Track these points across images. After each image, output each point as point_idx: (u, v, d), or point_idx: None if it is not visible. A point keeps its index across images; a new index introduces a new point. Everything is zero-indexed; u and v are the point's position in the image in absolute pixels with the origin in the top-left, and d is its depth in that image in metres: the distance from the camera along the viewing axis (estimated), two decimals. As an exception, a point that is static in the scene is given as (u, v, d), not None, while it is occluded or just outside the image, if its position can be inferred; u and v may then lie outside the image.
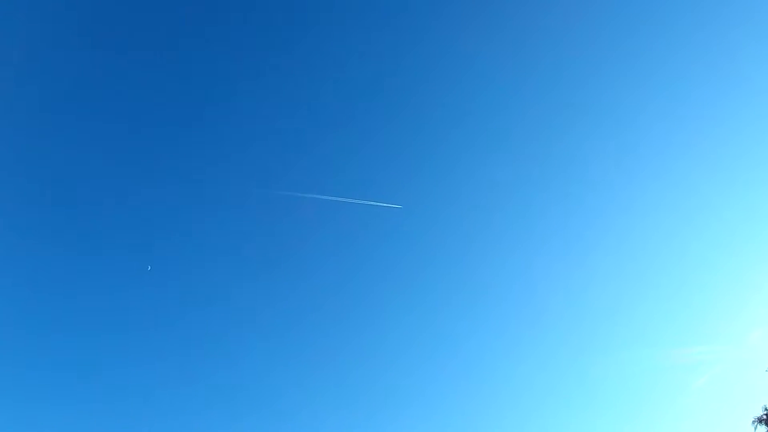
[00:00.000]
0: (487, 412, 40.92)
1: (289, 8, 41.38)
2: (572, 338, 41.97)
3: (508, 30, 41.50)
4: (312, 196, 39.06)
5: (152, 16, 40.22)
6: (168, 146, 42.93)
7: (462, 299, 44.17)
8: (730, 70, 40.45)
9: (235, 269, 43.32)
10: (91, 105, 41.38)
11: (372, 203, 39.17)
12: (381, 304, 44.51)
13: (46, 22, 38.15)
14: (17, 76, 38.32)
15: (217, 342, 41.16)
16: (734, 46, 39.74)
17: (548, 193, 44.53)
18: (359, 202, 38.98)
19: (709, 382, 36.70)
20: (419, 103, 43.77)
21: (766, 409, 24.57)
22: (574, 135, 43.00)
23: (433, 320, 43.77)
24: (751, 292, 37.94)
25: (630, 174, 43.92)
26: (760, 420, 24.49)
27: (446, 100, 43.40)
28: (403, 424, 39.15)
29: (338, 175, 43.53)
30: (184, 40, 41.63)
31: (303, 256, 43.73)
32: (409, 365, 42.27)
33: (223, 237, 43.21)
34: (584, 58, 42.33)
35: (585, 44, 42.26)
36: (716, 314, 40.67)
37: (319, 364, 40.70)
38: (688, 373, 37.82)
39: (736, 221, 40.91)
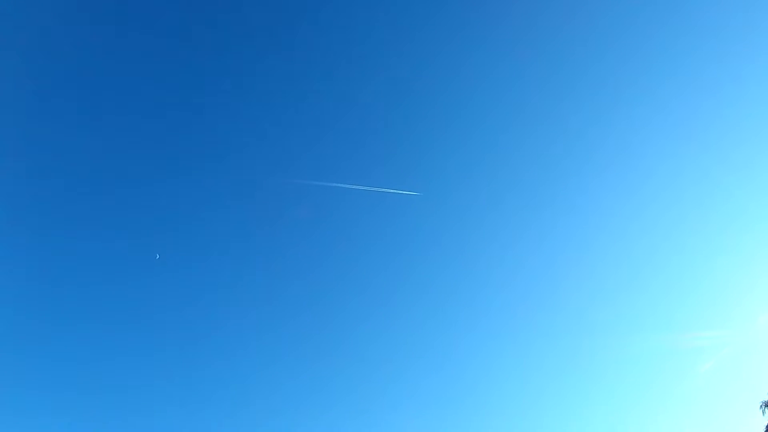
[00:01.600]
0: (495, 397, 41.63)
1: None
2: (579, 323, 42.40)
3: (529, 22, 41.29)
4: (326, 184, 38.71)
5: (159, 8, 40.11)
6: (177, 135, 42.80)
7: (472, 288, 44.56)
8: (718, 66, 40.58)
9: (244, 260, 43.53)
10: (95, 96, 41.40)
11: (389, 190, 38.68)
12: (395, 296, 44.68)
13: (51, 18, 38.09)
14: (19, 70, 38.34)
15: (220, 337, 41.41)
16: (729, 45, 39.77)
17: (558, 181, 44.75)
18: (376, 189, 38.52)
19: (717, 367, 37.08)
20: (437, 91, 43.59)
21: (773, 394, 24.99)
22: (593, 125, 43.10)
23: (445, 310, 44.14)
24: (759, 276, 38.17)
25: (635, 161, 44.09)
26: (767, 405, 24.89)
27: (465, 90, 43.29)
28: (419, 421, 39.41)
29: (354, 162, 43.46)
30: (194, 31, 41.39)
31: (315, 245, 43.80)
32: (413, 360, 42.68)
33: (234, 227, 43.32)
34: (596, 54, 42.26)
35: (595, 41, 42.13)
36: (724, 298, 40.97)
37: (320, 360, 40.91)
38: (695, 357, 38.21)
39: (743, 205, 41.08)
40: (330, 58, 42.50)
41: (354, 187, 38.33)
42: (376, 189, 38.46)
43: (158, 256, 38.07)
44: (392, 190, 38.62)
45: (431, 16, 41.72)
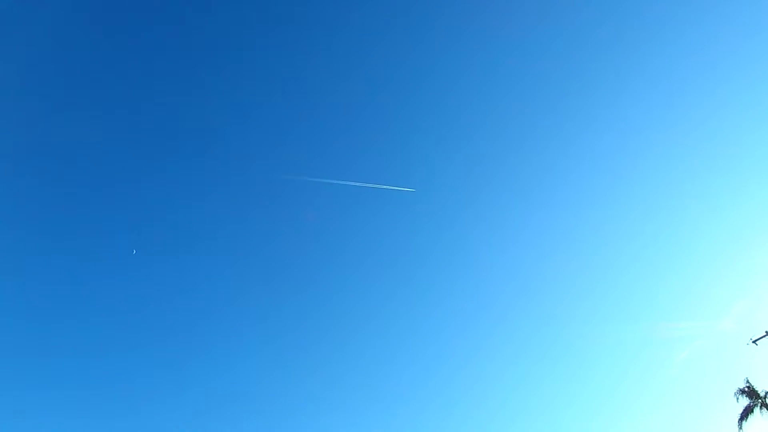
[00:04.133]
0: (478, 386, 42.69)
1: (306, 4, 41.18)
2: (559, 314, 43.62)
3: (520, 28, 42.03)
4: (323, 181, 38.76)
5: (164, 13, 39.73)
6: (171, 133, 42.73)
7: (455, 281, 45.40)
8: (702, 65, 41.84)
9: (239, 255, 43.65)
10: (97, 100, 40.97)
11: (384, 187, 38.92)
12: (385, 290, 45.35)
13: (48, 22, 37.59)
14: (19, 75, 37.87)
15: (213, 335, 41.66)
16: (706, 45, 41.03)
17: (542, 178, 45.86)
18: (371, 185, 38.72)
19: (693, 356, 38.52)
20: (432, 93, 44.27)
21: (747, 382, 26.10)
22: (579, 128, 44.37)
23: (432, 304, 44.90)
24: (733, 267, 39.68)
25: (615, 160, 45.36)
26: (742, 392, 26.03)
27: (458, 93, 44.00)
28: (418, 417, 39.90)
29: (351, 160, 43.82)
30: (191, 32, 41.23)
31: (309, 240, 44.11)
32: (406, 358, 43.40)
33: (230, 223, 43.42)
34: (584, 58, 43.24)
35: (583, 45, 43.06)
36: (699, 289, 42.55)
37: (316, 358, 41.40)
38: (672, 347, 39.70)
39: (718, 200, 42.53)
40: (325, 56, 42.84)
41: (350, 183, 38.70)
42: (371, 185, 38.88)
43: (135, 251, 38.06)
44: (388, 187, 39.11)
45: (430, 34, 42.38)
